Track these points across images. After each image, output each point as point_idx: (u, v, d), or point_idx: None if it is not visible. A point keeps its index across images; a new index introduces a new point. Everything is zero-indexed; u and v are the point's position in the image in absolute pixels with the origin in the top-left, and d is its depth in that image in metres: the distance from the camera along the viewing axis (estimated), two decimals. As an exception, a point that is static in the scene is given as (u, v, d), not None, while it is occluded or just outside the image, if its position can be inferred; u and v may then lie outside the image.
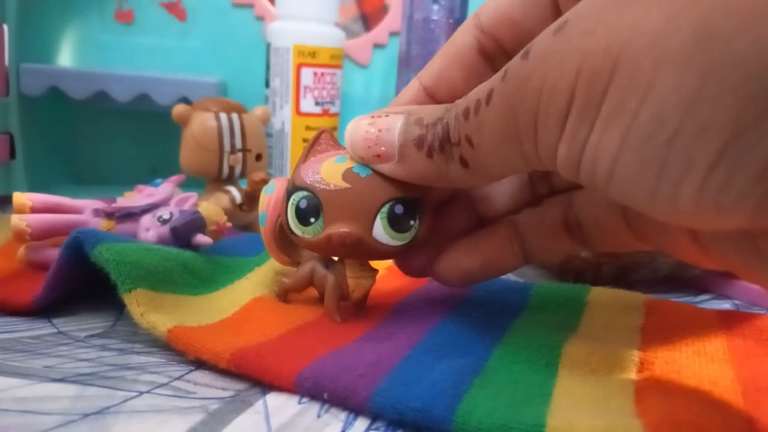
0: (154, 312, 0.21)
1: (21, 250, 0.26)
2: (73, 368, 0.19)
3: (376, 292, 0.25)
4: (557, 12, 0.19)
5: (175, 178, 0.32)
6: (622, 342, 0.21)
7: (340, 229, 0.20)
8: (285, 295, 0.24)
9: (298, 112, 0.42)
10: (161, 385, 0.19)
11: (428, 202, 0.22)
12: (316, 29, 0.41)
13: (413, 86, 0.22)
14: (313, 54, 0.41)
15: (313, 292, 0.24)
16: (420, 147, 0.19)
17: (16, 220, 0.25)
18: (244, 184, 0.36)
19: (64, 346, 0.21)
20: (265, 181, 0.34)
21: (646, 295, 0.25)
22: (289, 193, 0.22)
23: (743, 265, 0.16)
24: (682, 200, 0.13)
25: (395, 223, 0.21)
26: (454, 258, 0.22)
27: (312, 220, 0.21)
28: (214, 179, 0.36)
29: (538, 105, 0.15)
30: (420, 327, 0.22)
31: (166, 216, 0.27)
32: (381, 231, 0.21)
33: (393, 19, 0.48)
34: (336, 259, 0.23)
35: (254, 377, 0.19)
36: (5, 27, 0.39)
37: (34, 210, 0.26)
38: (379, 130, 0.19)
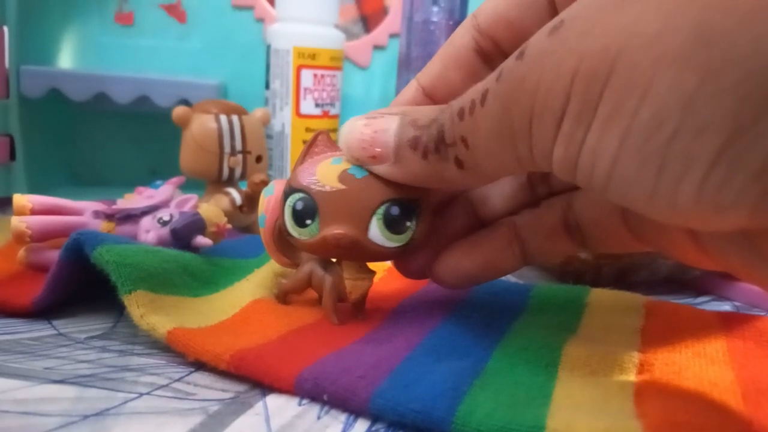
0: (154, 313, 0.21)
1: (21, 252, 0.26)
2: (73, 370, 0.19)
3: (376, 294, 0.25)
4: (554, 13, 0.19)
5: (175, 179, 0.32)
6: (622, 343, 0.21)
7: (336, 230, 0.20)
8: (284, 296, 0.24)
9: (298, 113, 0.42)
10: (161, 387, 0.19)
11: (426, 203, 0.22)
12: (316, 31, 0.41)
13: (412, 87, 0.22)
14: (313, 56, 0.41)
15: (312, 293, 0.24)
16: (415, 148, 0.19)
17: (16, 221, 0.25)
18: (244, 186, 0.36)
19: (64, 348, 0.21)
20: (265, 183, 0.34)
21: (646, 297, 0.25)
22: (285, 195, 0.22)
23: (743, 265, 0.16)
24: (682, 200, 0.13)
25: (391, 224, 0.21)
26: (453, 259, 0.22)
27: (308, 221, 0.21)
28: (214, 181, 0.36)
29: (533, 106, 0.15)
30: (420, 329, 0.22)
31: (166, 218, 0.27)
32: (377, 232, 0.21)
33: (393, 21, 0.48)
34: (334, 260, 0.23)
35: (254, 379, 0.19)
36: (5, 29, 0.39)
37: (34, 212, 0.26)
38: (375, 131, 0.19)
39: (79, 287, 0.24)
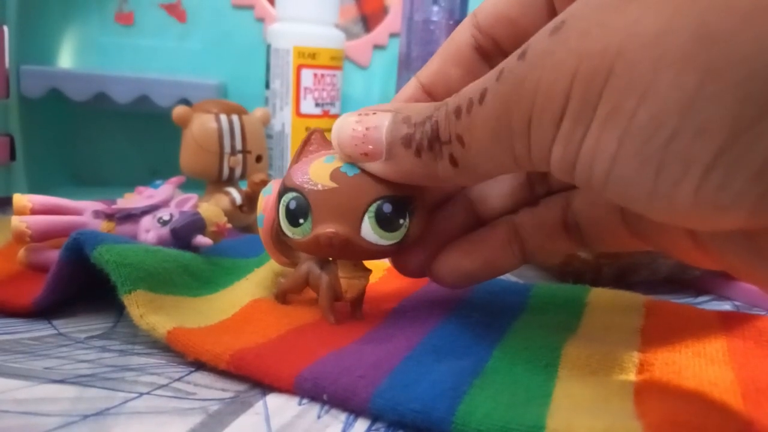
0: (153, 313, 0.21)
1: (21, 252, 0.26)
2: (73, 369, 0.19)
3: (376, 293, 0.25)
4: (553, 11, 0.19)
5: (175, 179, 0.32)
6: (621, 343, 0.21)
7: (327, 229, 0.20)
8: (283, 295, 0.24)
9: (298, 113, 0.42)
10: (161, 387, 0.19)
11: (420, 200, 0.21)
12: (316, 31, 0.41)
13: (412, 85, 0.22)
14: (313, 55, 0.41)
15: (312, 293, 0.24)
16: (408, 145, 0.19)
17: (17, 221, 0.25)
18: (244, 186, 0.36)
19: (64, 348, 0.21)
20: (265, 183, 0.34)
21: (646, 296, 0.25)
22: (280, 195, 0.22)
23: (742, 265, 0.16)
24: (681, 200, 0.13)
25: (384, 222, 0.20)
26: (452, 258, 0.22)
27: (301, 221, 0.21)
28: (214, 181, 0.36)
29: (532, 106, 0.15)
30: (420, 328, 0.22)
31: (166, 217, 0.27)
32: (369, 230, 0.20)
33: (393, 21, 0.48)
34: (330, 259, 0.23)
35: (254, 378, 0.19)
36: (5, 29, 0.39)
37: (34, 211, 0.26)
38: (367, 128, 0.19)
39: (79, 287, 0.24)
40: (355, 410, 0.18)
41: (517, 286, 0.28)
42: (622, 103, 0.13)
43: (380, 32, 0.48)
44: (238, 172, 0.36)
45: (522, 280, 0.31)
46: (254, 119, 0.37)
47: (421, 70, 0.22)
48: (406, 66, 0.39)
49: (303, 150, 0.22)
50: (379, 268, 0.29)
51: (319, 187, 0.20)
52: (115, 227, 0.28)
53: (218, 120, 0.35)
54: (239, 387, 0.19)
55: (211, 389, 0.19)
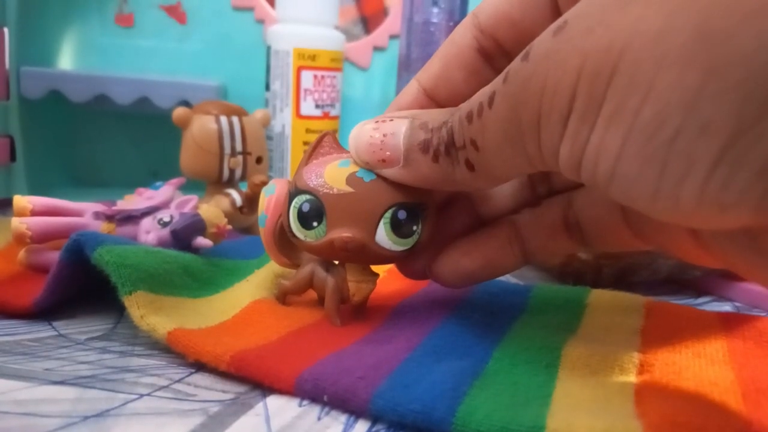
0: (154, 314, 0.21)
1: (21, 253, 0.26)
2: (74, 371, 0.19)
3: (376, 294, 0.25)
4: (556, 11, 0.19)
5: (175, 180, 0.32)
6: (622, 344, 0.21)
7: (343, 234, 0.20)
8: (284, 297, 0.24)
9: (298, 114, 0.42)
10: (161, 388, 0.19)
11: (431, 207, 0.22)
12: (316, 32, 0.41)
13: (412, 87, 0.22)
14: (313, 57, 0.41)
15: (312, 294, 0.24)
16: (425, 151, 0.19)
17: (17, 222, 0.25)
18: (244, 187, 0.36)
19: (65, 349, 0.21)
20: (265, 184, 0.34)
21: (647, 297, 0.25)
22: (291, 196, 0.22)
23: (744, 263, 0.16)
24: (684, 199, 0.13)
25: (398, 228, 0.21)
26: (453, 258, 0.22)
27: (315, 224, 0.21)
28: (214, 182, 0.36)
29: (540, 106, 0.15)
30: (420, 329, 0.22)
31: (166, 219, 0.27)
32: (384, 236, 0.21)
33: (393, 22, 0.48)
34: (336, 262, 0.23)
35: (254, 380, 0.19)
36: (6, 30, 0.39)
37: (35, 213, 0.26)
38: (384, 135, 0.19)
39: (80, 288, 0.24)
40: (355, 411, 0.18)
41: (518, 286, 0.28)
42: (626, 101, 0.13)
43: (380, 34, 0.48)
44: (238, 173, 0.36)
45: (522, 280, 0.31)
46: (254, 121, 0.37)
47: (420, 73, 0.22)
48: (406, 67, 0.39)
49: (314, 152, 0.22)
50: (380, 269, 0.28)
51: (335, 191, 0.20)
52: (115, 228, 0.28)
53: (218, 121, 0.35)
54: (240, 388, 0.19)
55: (212, 390, 0.19)
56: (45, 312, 0.23)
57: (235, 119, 0.35)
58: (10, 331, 0.22)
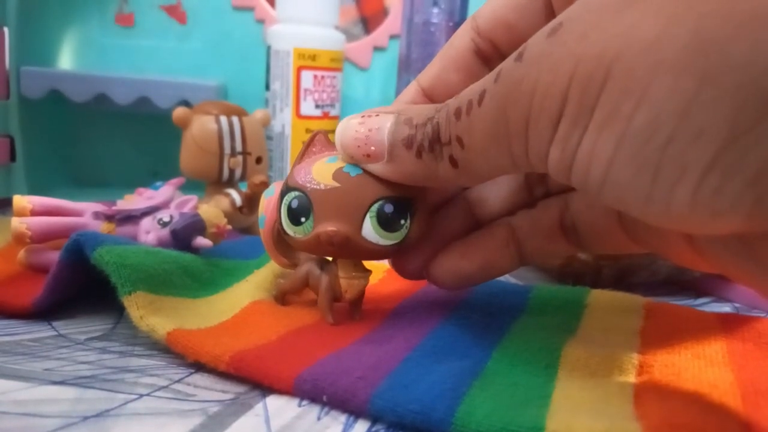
0: (153, 315, 0.21)
1: (21, 253, 0.26)
2: (73, 371, 0.19)
3: (376, 294, 0.25)
4: (552, 16, 0.19)
5: (175, 180, 0.32)
6: (621, 345, 0.21)
7: (328, 227, 0.20)
8: (282, 296, 0.24)
9: (298, 114, 0.42)
10: (161, 388, 0.19)
11: (421, 202, 0.22)
12: (317, 32, 0.41)
13: (412, 88, 0.22)
14: (313, 57, 0.41)
15: (311, 294, 0.24)
16: (409, 147, 0.19)
17: (17, 222, 0.25)
18: (244, 187, 0.36)
19: (64, 349, 0.21)
20: (265, 184, 0.34)
21: (646, 298, 0.25)
22: (282, 194, 0.22)
23: (737, 269, 0.16)
24: (677, 205, 0.13)
25: (385, 222, 0.21)
26: (450, 260, 0.22)
27: (303, 219, 0.21)
28: (214, 182, 0.36)
29: (530, 108, 0.15)
30: (419, 329, 0.22)
31: (166, 219, 0.27)
32: (370, 230, 0.21)
33: (393, 22, 0.48)
34: (330, 259, 0.23)
35: (253, 380, 0.19)
36: (6, 30, 0.39)
37: (35, 213, 0.26)
38: (369, 130, 0.19)
39: (79, 288, 0.24)
40: (354, 411, 0.18)
41: (517, 287, 0.28)
42: (620, 107, 0.13)
43: (380, 34, 0.48)
44: (238, 173, 0.36)
45: (522, 281, 0.31)
46: (254, 121, 0.37)
47: (421, 74, 0.22)
48: (406, 68, 0.39)
49: (306, 151, 0.23)
50: (379, 269, 0.29)
51: (322, 186, 0.21)
52: (115, 228, 0.28)
53: (218, 121, 0.35)
54: (239, 388, 0.19)
55: (211, 391, 0.19)
56: (45, 312, 0.23)
57: (235, 119, 0.35)
58: (9, 331, 0.22)
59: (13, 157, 0.41)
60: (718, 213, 0.13)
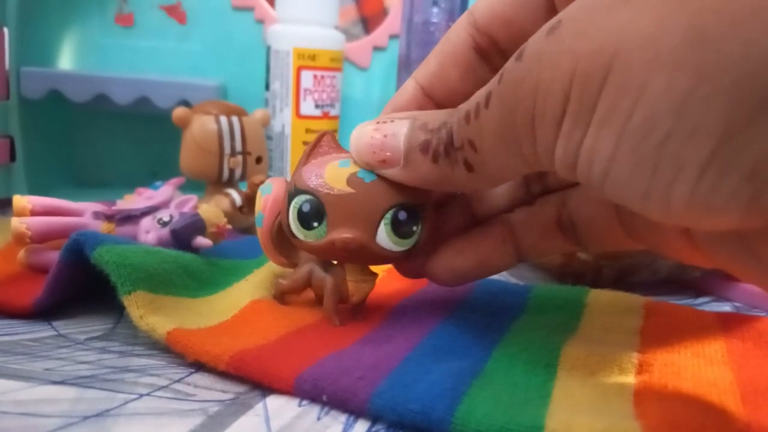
0: (153, 314, 0.21)
1: (21, 253, 0.26)
2: (73, 371, 0.19)
3: (376, 294, 0.25)
4: (552, 10, 0.19)
5: (175, 180, 0.32)
6: (621, 344, 0.21)
7: (344, 234, 0.20)
8: (282, 296, 0.24)
9: (298, 114, 0.42)
10: (161, 388, 0.19)
11: (430, 207, 0.22)
12: (316, 32, 0.41)
13: (409, 86, 0.22)
14: (313, 57, 0.41)
15: (311, 294, 0.24)
16: (425, 152, 0.19)
17: (16, 222, 0.25)
18: (244, 187, 0.36)
19: (64, 349, 0.21)
20: (265, 184, 0.34)
21: (646, 297, 0.25)
22: (290, 196, 0.21)
23: (735, 264, 0.16)
24: (674, 201, 0.13)
25: (398, 229, 0.21)
26: (448, 257, 0.22)
27: (315, 224, 0.21)
28: (214, 182, 0.36)
29: (534, 107, 0.15)
30: (419, 329, 0.22)
31: (166, 218, 0.27)
32: (384, 237, 0.21)
33: (393, 22, 0.48)
34: (335, 262, 0.23)
35: (253, 380, 0.19)
36: (6, 30, 0.39)
37: (34, 213, 0.26)
38: (385, 136, 0.20)
39: (79, 288, 0.24)
40: (354, 411, 0.18)
41: (517, 287, 0.28)
42: (619, 103, 0.13)
43: (380, 34, 0.48)
44: (238, 173, 0.36)
45: (522, 281, 0.31)
46: (254, 120, 0.37)
47: (417, 71, 0.22)
48: (406, 67, 0.39)
49: (312, 151, 0.22)
50: (379, 269, 0.29)
51: (335, 191, 0.20)
52: (115, 228, 0.28)
53: (218, 121, 0.35)
54: (239, 388, 0.19)
55: (211, 390, 0.19)
56: (45, 312, 0.23)
57: (234, 119, 0.35)
58: (9, 331, 0.22)
59: (13, 158, 0.41)
60: (715, 210, 0.13)
